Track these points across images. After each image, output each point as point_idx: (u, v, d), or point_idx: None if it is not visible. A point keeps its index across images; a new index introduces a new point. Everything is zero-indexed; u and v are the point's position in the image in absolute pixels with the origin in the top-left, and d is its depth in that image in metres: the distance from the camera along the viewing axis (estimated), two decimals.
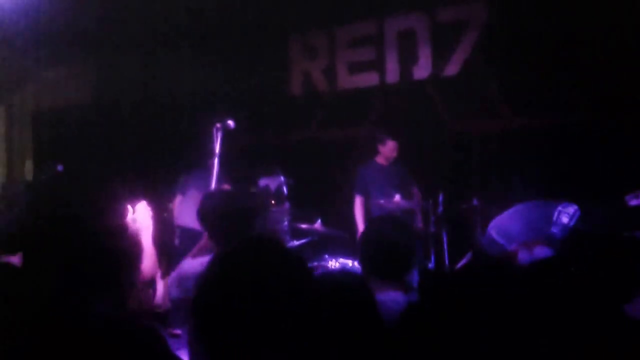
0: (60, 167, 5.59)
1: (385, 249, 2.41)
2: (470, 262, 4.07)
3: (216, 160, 4.83)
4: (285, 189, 5.57)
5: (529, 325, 1.45)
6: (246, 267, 1.25)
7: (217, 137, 4.88)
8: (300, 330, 1.22)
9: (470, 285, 1.49)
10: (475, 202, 5.52)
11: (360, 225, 5.98)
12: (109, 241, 1.68)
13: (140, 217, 2.93)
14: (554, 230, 3.53)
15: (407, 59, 6.90)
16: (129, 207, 2.96)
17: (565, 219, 3.55)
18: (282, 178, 5.66)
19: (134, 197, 3.11)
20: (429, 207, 5.83)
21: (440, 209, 5.76)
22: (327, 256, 5.06)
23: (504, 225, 3.71)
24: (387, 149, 6.08)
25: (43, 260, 1.65)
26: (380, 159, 6.17)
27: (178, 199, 6.20)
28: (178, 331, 5.73)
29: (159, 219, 3.05)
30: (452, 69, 6.63)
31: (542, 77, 5.92)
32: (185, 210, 5.94)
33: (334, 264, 4.91)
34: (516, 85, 6.17)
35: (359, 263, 2.52)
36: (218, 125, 4.91)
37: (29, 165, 7.94)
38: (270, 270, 1.25)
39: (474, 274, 1.57)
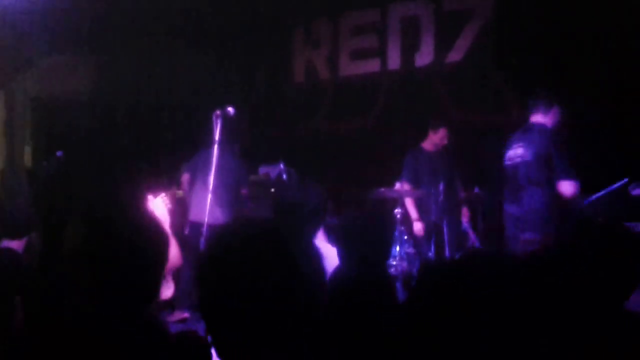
0: (59, 153, 5.57)
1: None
2: (470, 253, 4.06)
3: (216, 147, 4.82)
4: (285, 177, 5.55)
5: (527, 318, 1.45)
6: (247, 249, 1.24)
7: (217, 125, 4.87)
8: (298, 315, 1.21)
9: (468, 277, 1.46)
10: (477, 190, 5.50)
11: (414, 214, 5.79)
12: (141, 234, 1.60)
13: (158, 207, 2.91)
14: None
15: (410, 47, 6.86)
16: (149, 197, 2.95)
17: None
18: (282, 166, 5.64)
19: (150, 188, 3.09)
20: (431, 196, 5.79)
21: (441, 197, 5.73)
22: None
23: None
24: (438, 137, 5.91)
25: (74, 258, 1.57)
26: (427, 145, 5.97)
27: (186, 177, 6.12)
28: (186, 314, 5.76)
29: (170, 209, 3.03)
30: (454, 57, 6.58)
31: (547, 67, 5.87)
32: (192, 205, 5.94)
33: None
34: (520, 75, 6.13)
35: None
36: (218, 112, 4.89)
37: (28, 152, 7.93)
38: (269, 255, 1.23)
39: (472, 266, 1.53)
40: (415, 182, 5.85)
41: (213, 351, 1.31)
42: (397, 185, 5.80)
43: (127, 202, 1.82)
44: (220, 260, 1.23)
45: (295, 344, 1.20)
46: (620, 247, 1.88)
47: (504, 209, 4.48)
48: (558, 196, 4.12)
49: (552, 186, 4.13)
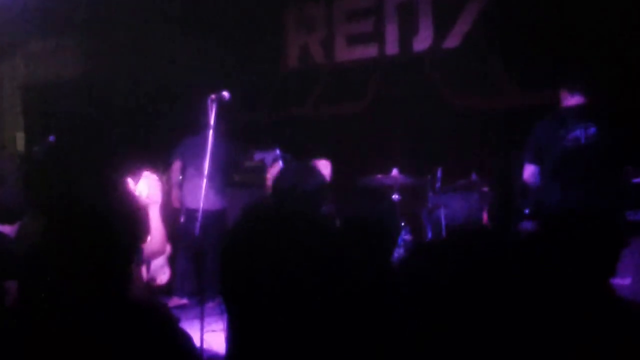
0: (52, 138, 5.50)
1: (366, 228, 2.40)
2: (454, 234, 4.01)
3: (211, 132, 4.75)
4: (281, 163, 5.48)
5: (515, 299, 1.38)
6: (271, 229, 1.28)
7: (211, 109, 4.80)
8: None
9: (453, 256, 1.40)
10: (474, 177, 5.45)
11: None
12: (113, 217, 1.64)
13: (148, 191, 2.86)
14: None
15: (407, 31, 6.78)
16: (136, 181, 2.89)
17: None
18: (277, 152, 5.58)
19: (139, 171, 3.03)
20: (427, 183, 5.75)
21: (438, 184, 5.68)
22: None
23: None
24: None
25: (48, 238, 1.62)
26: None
27: (177, 165, 6.11)
28: (184, 300, 5.72)
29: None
30: (452, 41, 6.51)
31: (547, 52, 5.81)
32: (186, 192, 5.91)
33: None
34: (519, 60, 6.07)
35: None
36: (213, 96, 4.82)
37: (20, 137, 7.84)
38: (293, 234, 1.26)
39: (458, 245, 1.48)
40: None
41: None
42: (394, 172, 5.74)
43: (102, 183, 1.81)
44: (246, 245, 1.25)
45: (321, 326, 1.21)
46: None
47: (561, 193, 4.26)
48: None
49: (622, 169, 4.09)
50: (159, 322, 1.57)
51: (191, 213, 5.49)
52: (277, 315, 1.21)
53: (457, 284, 1.31)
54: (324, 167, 5.02)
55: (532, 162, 4.39)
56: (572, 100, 4.31)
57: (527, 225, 4.68)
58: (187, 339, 1.59)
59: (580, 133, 4.19)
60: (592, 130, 4.16)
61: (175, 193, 6.02)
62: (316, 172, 4.29)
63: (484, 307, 1.30)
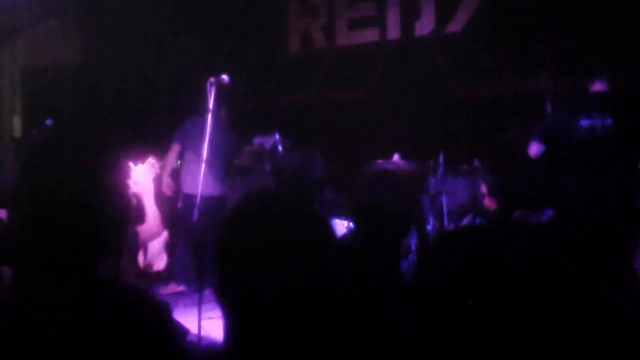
0: (49, 122, 5.42)
1: (383, 212, 2.36)
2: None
3: (210, 116, 4.69)
4: (280, 148, 5.42)
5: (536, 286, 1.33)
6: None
7: (210, 93, 4.74)
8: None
9: (474, 246, 1.36)
10: (477, 163, 5.38)
11: None
12: (100, 203, 1.62)
13: (143, 177, 2.82)
14: None
15: (409, 15, 6.69)
16: (131, 166, 2.84)
17: None
18: (277, 137, 5.51)
19: (135, 156, 2.98)
20: (429, 169, 5.68)
21: (441, 170, 5.61)
22: None
23: None
24: None
25: (37, 221, 1.59)
26: None
27: (175, 148, 5.95)
28: (182, 287, 5.67)
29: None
30: (455, 26, 6.42)
31: (552, 38, 5.72)
32: (185, 177, 5.79)
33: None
34: (522, 46, 5.98)
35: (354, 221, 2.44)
36: (212, 80, 4.76)
37: (17, 122, 7.79)
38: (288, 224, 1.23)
39: (477, 234, 1.42)
40: None
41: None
42: (395, 157, 5.67)
43: (97, 170, 1.77)
44: (240, 235, 1.23)
45: (315, 316, 1.20)
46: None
47: (577, 182, 4.24)
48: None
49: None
50: (148, 311, 1.55)
51: (189, 198, 5.41)
52: (277, 310, 1.18)
53: (484, 274, 1.28)
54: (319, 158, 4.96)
55: (540, 142, 4.41)
56: (591, 87, 4.27)
57: (529, 213, 4.63)
58: (170, 327, 1.58)
59: (596, 123, 4.15)
60: (608, 121, 4.11)
61: (166, 180, 5.72)
62: (321, 162, 4.22)
63: (512, 296, 1.26)
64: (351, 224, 4.60)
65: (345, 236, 2.44)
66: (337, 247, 1.30)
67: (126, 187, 2.65)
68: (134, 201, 2.76)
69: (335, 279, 1.23)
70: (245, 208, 1.28)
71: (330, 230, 1.27)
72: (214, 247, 1.27)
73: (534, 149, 4.41)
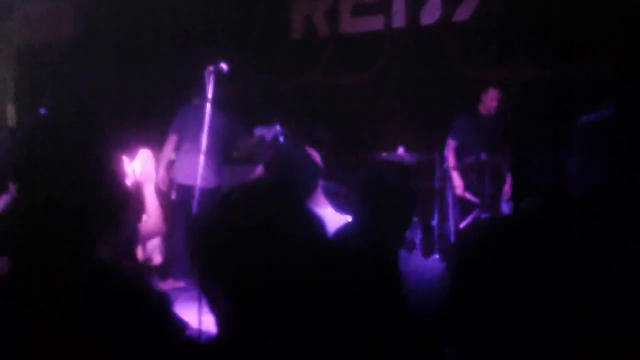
0: (43, 111, 5.28)
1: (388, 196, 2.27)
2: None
3: (208, 105, 4.57)
4: (281, 139, 5.27)
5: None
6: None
7: (209, 81, 4.62)
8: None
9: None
10: (483, 156, 5.24)
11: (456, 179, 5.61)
12: (97, 187, 1.61)
13: (142, 167, 2.70)
14: None
15: (415, 2, 6.53)
16: (130, 156, 2.72)
17: None
18: (278, 127, 5.37)
19: (134, 145, 2.85)
20: (435, 161, 5.54)
21: (445, 164, 5.48)
22: None
23: None
24: (488, 98, 5.67)
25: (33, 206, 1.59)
26: (482, 108, 5.73)
27: (171, 139, 5.78)
28: (181, 283, 5.54)
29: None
30: (462, 14, 6.26)
31: (563, 23, 5.56)
32: (181, 167, 5.63)
33: None
34: (529, 34, 5.84)
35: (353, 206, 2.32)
36: (211, 68, 4.64)
37: (11, 109, 7.64)
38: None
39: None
40: (462, 145, 5.66)
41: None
42: (400, 150, 5.53)
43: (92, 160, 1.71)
44: (218, 226, 1.19)
45: (299, 309, 1.16)
46: None
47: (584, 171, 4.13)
48: None
49: None
50: (149, 296, 1.55)
51: (186, 190, 5.25)
52: (261, 306, 1.15)
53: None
54: (316, 156, 4.81)
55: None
56: (595, 76, 4.17)
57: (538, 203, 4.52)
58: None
59: (601, 111, 4.04)
60: (613, 110, 4.00)
61: (161, 174, 5.50)
62: (314, 158, 4.09)
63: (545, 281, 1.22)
64: (348, 216, 4.47)
65: (341, 229, 2.29)
66: (330, 240, 1.27)
67: (124, 175, 2.52)
68: (134, 190, 2.64)
69: (326, 274, 1.20)
70: (228, 201, 1.25)
71: (320, 224, 1.23)
72: (192, 238, 1.24)
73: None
